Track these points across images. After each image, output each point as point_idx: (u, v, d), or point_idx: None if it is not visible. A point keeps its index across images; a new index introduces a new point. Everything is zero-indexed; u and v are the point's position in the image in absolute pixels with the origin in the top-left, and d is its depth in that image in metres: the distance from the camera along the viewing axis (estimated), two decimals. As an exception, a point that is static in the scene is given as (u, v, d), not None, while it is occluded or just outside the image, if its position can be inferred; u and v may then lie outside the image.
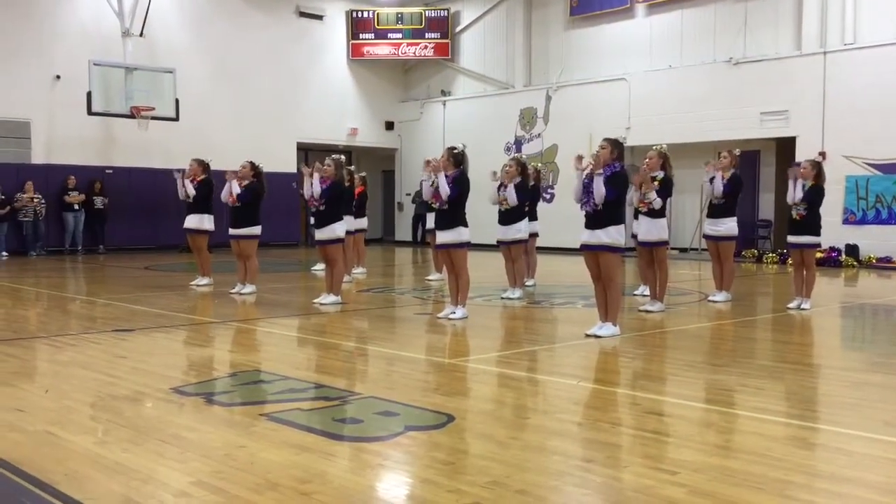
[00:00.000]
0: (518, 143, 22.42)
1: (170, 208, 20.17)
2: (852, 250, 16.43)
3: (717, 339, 7.96)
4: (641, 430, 4.49)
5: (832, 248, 16.51)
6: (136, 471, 3.70)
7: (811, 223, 9.45)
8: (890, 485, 3.55)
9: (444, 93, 24.73)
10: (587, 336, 7.39)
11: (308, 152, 25.70)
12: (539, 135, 22.08)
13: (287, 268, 16.36)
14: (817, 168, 9.49)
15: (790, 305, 9.56)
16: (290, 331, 8.30)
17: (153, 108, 18.87)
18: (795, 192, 9.39)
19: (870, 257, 16.22)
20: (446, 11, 24.28)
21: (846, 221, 16.82)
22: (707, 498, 3.36)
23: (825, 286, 13.47)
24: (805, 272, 9.57)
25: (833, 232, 16.75)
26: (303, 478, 3.59)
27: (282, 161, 23.02)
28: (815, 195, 9.43)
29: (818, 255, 16.29)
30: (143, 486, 3.52)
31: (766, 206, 18.90)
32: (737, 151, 10.45)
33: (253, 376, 5.84)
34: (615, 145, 7.41)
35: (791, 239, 9.66)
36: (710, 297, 10.18)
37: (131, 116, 18.75)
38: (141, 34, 19.59)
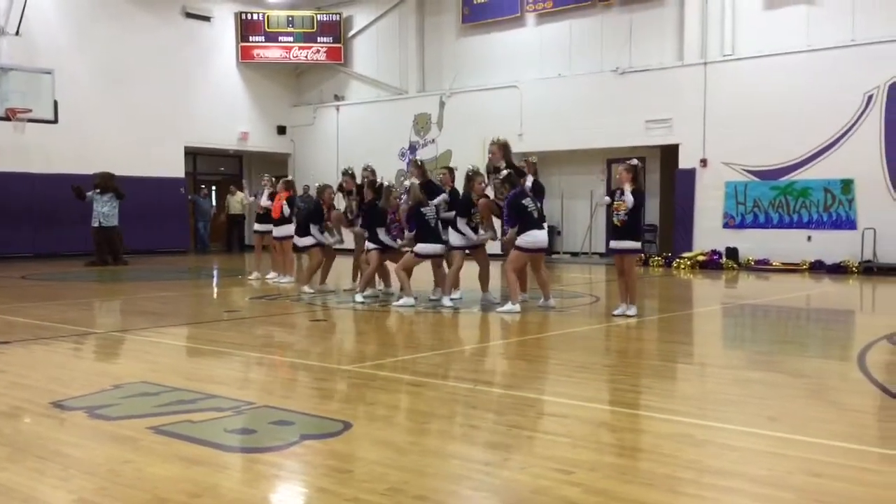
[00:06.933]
0: (413, 149, 22.47)
1: (49, 215, 19.39)
2: (732, 253, 17.14)
3: (606, 341, 8.15)
4: (538, 431, 4.56)
5: (713, 251, 17.22)
6: (16, 490, 3.52)
7: (632, 229, 9.15)
8: (773, 478, 3.69)
9: (337, 98, 24.56)
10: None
11: (197, 156, 25.14)
12: (433, 140, 22.20)
13: (176, 275, 15.90)
14: (633, 172, 9.07)
15: (615, 312, 9.23)
16: (178, 340, 8.05)
17: (30, 111, 17.99)
18: (626, 198, 8.92)
19: (749, 260, 16.96)
20: (338, 16, 24.13)
21: (726, 225, 17.55)
22: (601, 496, 3.43)
23: (707, 288, 14.01)
24: (626, 278, 9.30)
25: (714, 235, 17.52)
26: (194, 492, 3.47)
27: (170, 165, 22.43)
28: (634, 200, 9.01)
29: (701, 257, 17.07)
30: (21, 506, 3.35)
31: (651, 212, 19.52)
32: (533, 158, 10.71)
33: (139, 388, 5.62)
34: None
35: (613, 244, 9.38)
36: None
37: (6, 119, 17.84)
38: (17, 33, 18.75)
